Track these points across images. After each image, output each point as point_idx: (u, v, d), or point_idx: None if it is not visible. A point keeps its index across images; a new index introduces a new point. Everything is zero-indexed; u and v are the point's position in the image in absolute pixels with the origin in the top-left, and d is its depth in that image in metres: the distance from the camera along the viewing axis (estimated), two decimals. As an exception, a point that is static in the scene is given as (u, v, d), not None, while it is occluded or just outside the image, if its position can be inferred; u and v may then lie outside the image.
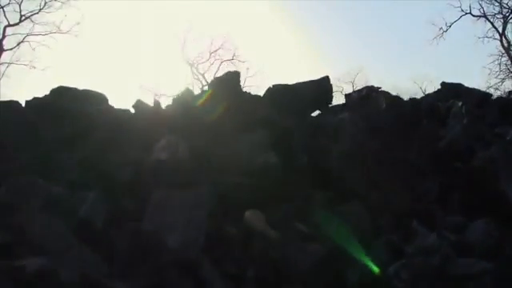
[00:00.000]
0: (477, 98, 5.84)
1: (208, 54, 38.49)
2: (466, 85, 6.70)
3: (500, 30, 29.71)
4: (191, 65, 38.74)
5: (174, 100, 4.85)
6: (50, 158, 4.59)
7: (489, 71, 30.63)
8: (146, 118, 5.06)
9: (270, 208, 3.79)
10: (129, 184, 3.70)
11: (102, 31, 53.44)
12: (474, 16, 30.39)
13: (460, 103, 5.30)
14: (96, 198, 3.58)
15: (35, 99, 6.22)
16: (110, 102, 6.26)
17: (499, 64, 29.92)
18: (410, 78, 48.14)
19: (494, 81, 31.41)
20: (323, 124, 4.30)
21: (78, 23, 25.39)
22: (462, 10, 30.32)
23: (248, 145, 3.92)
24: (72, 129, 5.11)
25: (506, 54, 29.89)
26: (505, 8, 29.80)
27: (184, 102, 4.54)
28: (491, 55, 30.65)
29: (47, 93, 6.23)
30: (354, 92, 6.66)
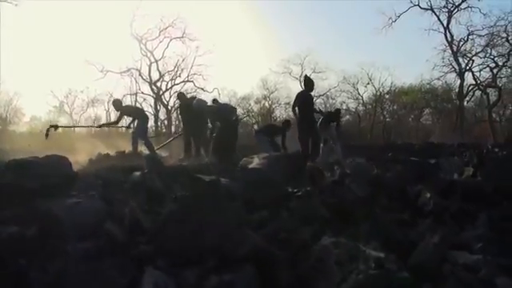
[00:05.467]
0: (442, 185, 6.17)
1: (158, 31, 36.32)
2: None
3: (445, 23, 31.05)
4: (139, 41, 36.43)
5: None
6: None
7: (433, 65, 32.19)
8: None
9: None
10: None
11: (46, 1, 48.15)
12: (421, 8, 31.31)
13: (428, 195, 5.59)
14: None
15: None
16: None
17: (442, 58, 31.54)
18: (357, 63, 49.31)
19: (437, 74, 33.14)
20: (304, 247, 4.36)
21: (18, -9, 22.77)
22: (411, 2, 31.07)
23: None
24: (34, 230, 4.66)
25: (449, 48, 31.47)
26: (450, 3, 31.00)
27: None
28: (435, 48, 32.07)
29: None
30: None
